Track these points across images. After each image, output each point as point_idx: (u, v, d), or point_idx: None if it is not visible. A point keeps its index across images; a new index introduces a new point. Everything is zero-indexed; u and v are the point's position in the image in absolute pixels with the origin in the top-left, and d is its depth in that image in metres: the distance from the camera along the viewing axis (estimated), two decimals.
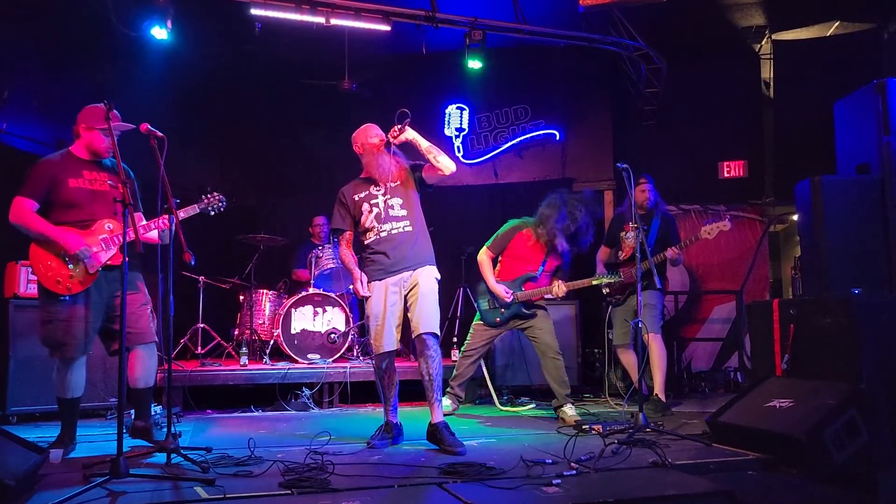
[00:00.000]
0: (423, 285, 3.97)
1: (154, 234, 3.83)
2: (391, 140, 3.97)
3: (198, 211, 3.99)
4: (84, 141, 3.76)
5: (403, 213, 4.02)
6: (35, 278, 4.79)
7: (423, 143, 3.99)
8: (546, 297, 5.12)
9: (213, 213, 4.07)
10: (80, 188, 3.69)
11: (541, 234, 5.04)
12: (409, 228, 4.01)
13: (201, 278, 6.42)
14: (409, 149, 4.10)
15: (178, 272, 5.53)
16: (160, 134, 3.57)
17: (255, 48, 6.90)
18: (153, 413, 4.44)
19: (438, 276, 4.09)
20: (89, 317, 3.67)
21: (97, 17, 5.82)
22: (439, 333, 4.00)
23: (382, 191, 4.05)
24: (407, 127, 3.94)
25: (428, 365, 3.93)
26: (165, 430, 3.57)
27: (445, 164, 3.95)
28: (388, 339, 3.96)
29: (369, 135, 4.10)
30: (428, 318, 3.93)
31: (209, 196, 4.05)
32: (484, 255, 5.21)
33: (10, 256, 4.88)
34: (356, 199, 4.07)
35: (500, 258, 5.24)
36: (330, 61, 7.31)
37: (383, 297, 3.97)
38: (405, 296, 4.02)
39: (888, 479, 3.34)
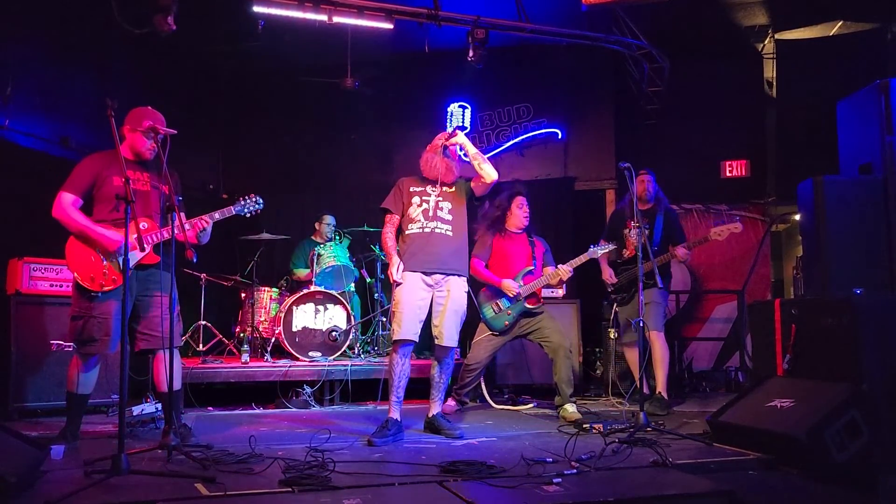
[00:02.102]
0: (455, 299, 4.22)
1: (192, 233, 3.87)
2: (444, 143, 4.23)
3: (233, 213, 3.99)
4: (128, 142, 3.81)
5: (449, 217, 4.23)
6: (38, 274, 4.88)
7: (471, 150, 4.28)
8: (550, 286, 5.16)
9: (248, 215, 4.08)
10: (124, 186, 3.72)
11: (501, 229, 5.25)
12: (450, 234, 4.21)
13: (203, 275, 6.42)
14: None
15: (180, 269, 5.54)
16: (163, 131, 3.58)
17: (258, 46, 6.90)
18: (154, 411, 4.47)
19: (466, 287, 4.33)
20: (120, 314, 3.69)
21: (101, 14, 5.82)
22: (457, 346, 4.34)
23: (437, 192, 4.26)
24: (458, 132, 4.28)
25: (442, 371, 4.32)
26: (172, 427, 3.60)
27: (487, 172, 4.20)
28: (410, 329, 4.10)
29: (436, 138, 4.36)
30: (454, 332, 4.24)
31: (245, 198, 4.06)
32: (474, 264, 5.20)
33: (12, 253, 4.89)
34: (411, 190, 4.29)
35: (489, 264, 5.25)
36: (332, 59, 7.31)
37: (414, 289, 4.13)
38: (435, 297, 4.21)
39: (889, 480, 3.34)
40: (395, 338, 4.12)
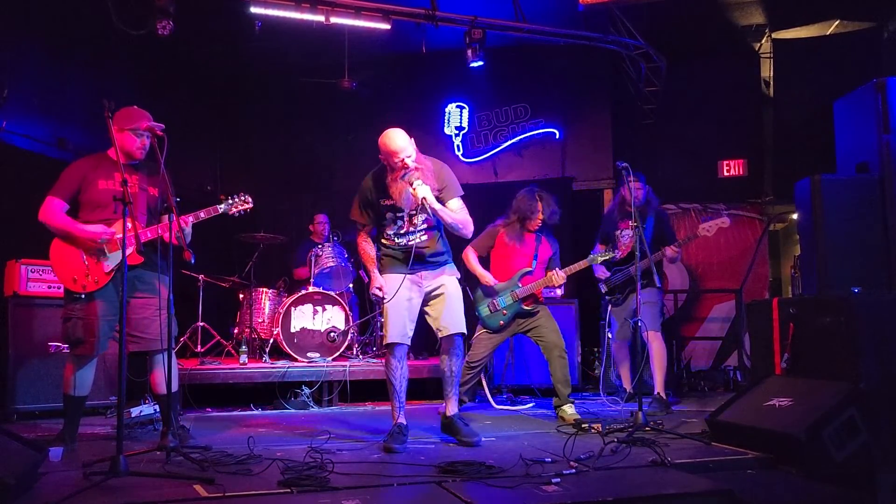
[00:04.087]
0: (449, 287, 4.00)
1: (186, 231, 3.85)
2: (411, 191, 3.76)
3: (220, 212, 3.96)
4: (117, 143, 3.74)
5: (425, 226, 3.95)
6: (35, 276, 4.88)
7: (436, 207, 3.79)
8: (546, 288, 5.12)
9: (237, 214, 4.05)
10: (109, 190, 3.72)
11: (514, 228, 5.14)
12: (426, 237, 3.95)
13: (201, 277, 6.42)
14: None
15: (178, 271, 5.53)
16: (160, 132, 3.57)
17: (255, 47, 6.90)
18: (152, 413, 4.47)
19: (458, 275, 4.13)
20: (106, 315, 3.71)
21: (98, 16, 5.81)
22: (465, 332, 4.03)
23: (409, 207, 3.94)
24: (420, 187, 3.72)
25: (452, 363, 3.98)
26: (171, 428, 3.60)
27: (462, 233, 3.97)
28: (399, 331, 3.91)
29: (391, 150, 3.81)
30: (457, 319, 3.99)
31: (233, 196, 4.03)
32: (468, 252, 5.18)
33: (9, 255, 4.88)
34: (382, 203, 3.94)
35: (490, 261, 5.24)
36: (330, 60, 7.31)
37: (399, 289, 3.90)
38: (429, 293, 4.00)
39: (888, 479, 3.34)
40: (385, 342, 3.97)
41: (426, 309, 4.05)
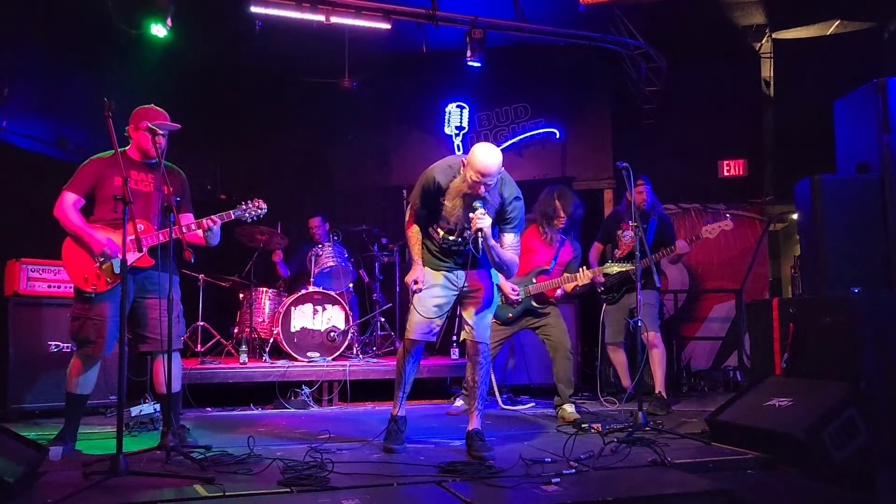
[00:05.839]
0: (486, 293, 3.88)
1: (200, 233, 3.86)
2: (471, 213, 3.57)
3: (233, 217, 3.94)
4: (134, 141, 3.76)
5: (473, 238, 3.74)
6: (36, 275, 4.88)
7: (489, 243, 3.60)
8: (560, 289, 5.08)
9: (250, 220, 4.04)
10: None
11: (546, 231, 5.12)
12: (470, 245, 3.75)
13: (201, 276, 6.42)
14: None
15: (179, 270, 5.53)
16: (160, 132, 3.57)
17: (256, 46, 6.90)
18: (152, 412, 4.47)
19: (498, 281, 4.03)
20: (115, 316, 3.70)
21: (97, 15, 5.81)
22: (488, 342, 3.93)
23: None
24: (482, 221, 3.52)
25: (475, 372, 3.87)
26: (171, 428, 3.60)
27: (503, 273, 3.85)
28: (421, 328, 3.82)
29: (480, 169, 3.49)
30: (485, 327, 3.89)
31: (247, 202, 4.02)
32: None
33: (10, 254, 4.88)
34: (442, 201, 3.74)
35: None
36: (330, 60, 7.30)
37: (433, 285, 3.83)
38: (465, 292, 3.89)
39: (887, 479, 3.35)
40: (406, 336, 3.89)
41: (460, 307, 3.95)
